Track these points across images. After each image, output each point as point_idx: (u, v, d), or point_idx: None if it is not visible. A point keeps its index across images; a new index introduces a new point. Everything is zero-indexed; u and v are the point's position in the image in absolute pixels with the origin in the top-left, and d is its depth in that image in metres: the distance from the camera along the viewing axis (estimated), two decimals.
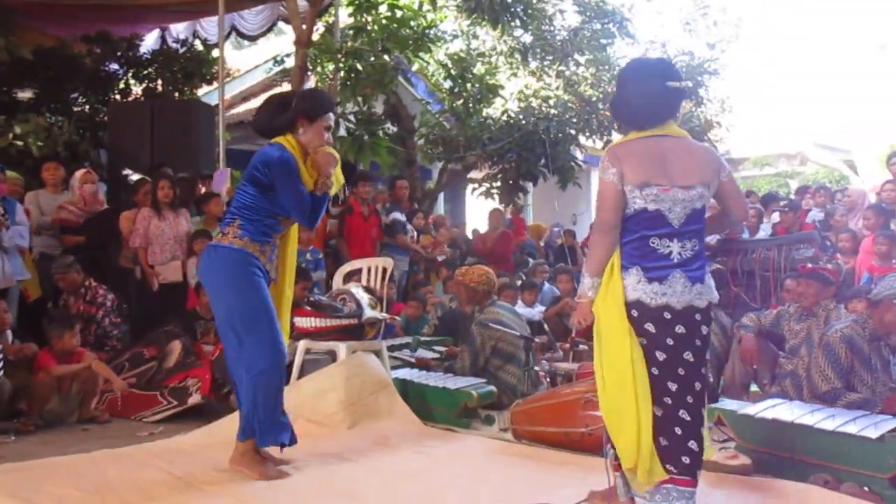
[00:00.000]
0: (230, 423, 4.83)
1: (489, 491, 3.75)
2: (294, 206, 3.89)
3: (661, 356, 3.07)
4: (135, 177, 8.16)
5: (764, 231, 8.77)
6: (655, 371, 3.07)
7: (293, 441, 4.00)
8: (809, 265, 6.15)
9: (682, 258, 3.10)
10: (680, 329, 3.07)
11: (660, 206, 3.08)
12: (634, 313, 3.07)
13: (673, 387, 3.07)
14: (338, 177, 4.08)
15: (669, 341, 3.07)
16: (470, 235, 11.50)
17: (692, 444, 3.07)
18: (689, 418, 3.07)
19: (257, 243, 3.92)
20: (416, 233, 9.17)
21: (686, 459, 3.06)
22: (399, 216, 8.70)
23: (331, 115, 4.14)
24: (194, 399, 5.46)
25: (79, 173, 7.26)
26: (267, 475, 3.86)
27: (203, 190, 7.90)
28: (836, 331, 4.62)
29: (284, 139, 4.00)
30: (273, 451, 4.05)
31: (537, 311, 7.90)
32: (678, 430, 3.06)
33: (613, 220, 3.12)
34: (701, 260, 3.16)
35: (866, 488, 3.55)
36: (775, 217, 9.05)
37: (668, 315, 3.06)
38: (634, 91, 3.18)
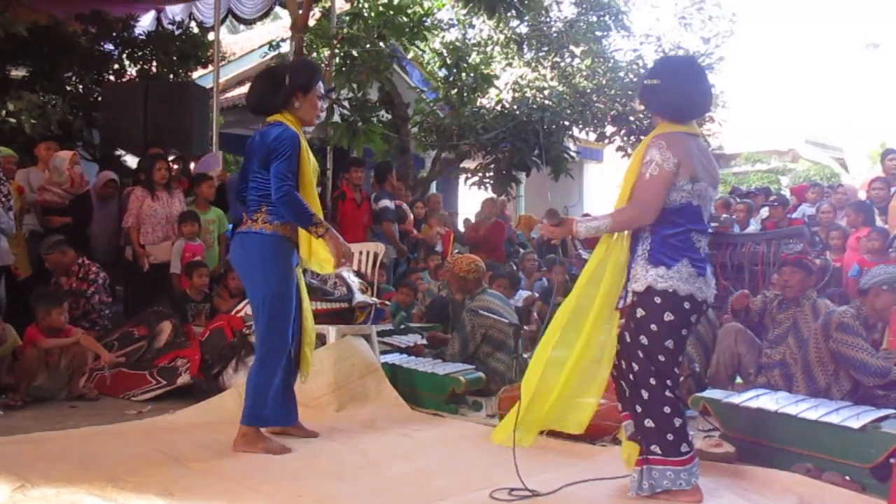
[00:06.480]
0: (219, 403, 4.90)
1: (474, 474, 3.77)
2: (276, 184, 3.86)
3: (686, 344, 3.32)
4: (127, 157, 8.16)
5: (753, 226, 8.83)
6: (680, 358, 3.28)
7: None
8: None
9: (706, 253, 3.29)
10: (702, 319, 3.36)
11: (701, 203, 3.24)
12: (687, 306, 3.19)
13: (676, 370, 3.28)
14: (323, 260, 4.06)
15: (693, 328, 3.33)
16: (461, 225, 11.51)
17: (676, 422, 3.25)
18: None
19: (287, 224, 4.00)
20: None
21: (671, 437, 3.21)
22: (388, 204, 8.67)
23: (321, 83, 4.16)
24: (183, 379, 5.48)
25: (67, 154, 7.10)
26: (270, 449, 3.97)
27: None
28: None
29: (283, 117, 4.03)
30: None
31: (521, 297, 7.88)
32: (667, 410, 3.22)
33: (660, 205, 3.19)
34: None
35: (848, 477, 3.58)
36: (764, 212, 9.10)
37: (704, 307, 3.27)
38: (689, 84, 3.30)
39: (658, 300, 3.17)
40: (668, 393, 3.21)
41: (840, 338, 4.64)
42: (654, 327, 3.19)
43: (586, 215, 4.17)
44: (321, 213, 4.08)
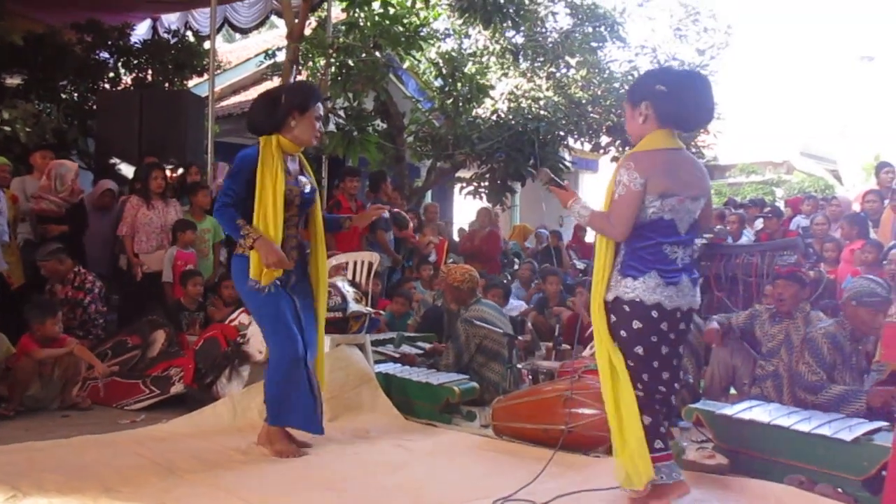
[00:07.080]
0: (212, 413, 4.88)
1: (468, 484, 3.78)
2: (216, 199, 4.09)
3: (664, 350, 3.32)
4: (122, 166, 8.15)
5: (746, 237, 8.85)
6: (656, 364, 3.31)
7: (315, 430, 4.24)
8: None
9: (684, 263, 3.36)
10: (682, 326, 3.36)
11: (674, 216, 3.30)
12: (654, 314, 3.27)
13: (665, 375, 3.34)
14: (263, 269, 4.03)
15: (672, 336, 3.33)
16: (456, 235, 11.51)
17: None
18: (671, 400, 3.43)
19: None
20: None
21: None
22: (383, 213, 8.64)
23: (319, 105, 4.21)
24: (177, 388, 5.47)
25: (73, 165, 7.10)
26: (282, 452, 4.09)
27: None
28: (819, 328, 4.79)
29: (266, 138, 4.07)
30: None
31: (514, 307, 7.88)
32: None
33: (630, 222, 3.27)
34: (695, 265, 3.45)
35: (840, 490, 3.59)
36: (758, 224, 9.11)
37: (678, 315, 3.32)
38: (699, 98, 3.34)
39: (627, 308, 3.30)
40: (636, 392, 3.32)
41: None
42: (623, 333, 3.32)
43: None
44: (278, 238, 3.99)
